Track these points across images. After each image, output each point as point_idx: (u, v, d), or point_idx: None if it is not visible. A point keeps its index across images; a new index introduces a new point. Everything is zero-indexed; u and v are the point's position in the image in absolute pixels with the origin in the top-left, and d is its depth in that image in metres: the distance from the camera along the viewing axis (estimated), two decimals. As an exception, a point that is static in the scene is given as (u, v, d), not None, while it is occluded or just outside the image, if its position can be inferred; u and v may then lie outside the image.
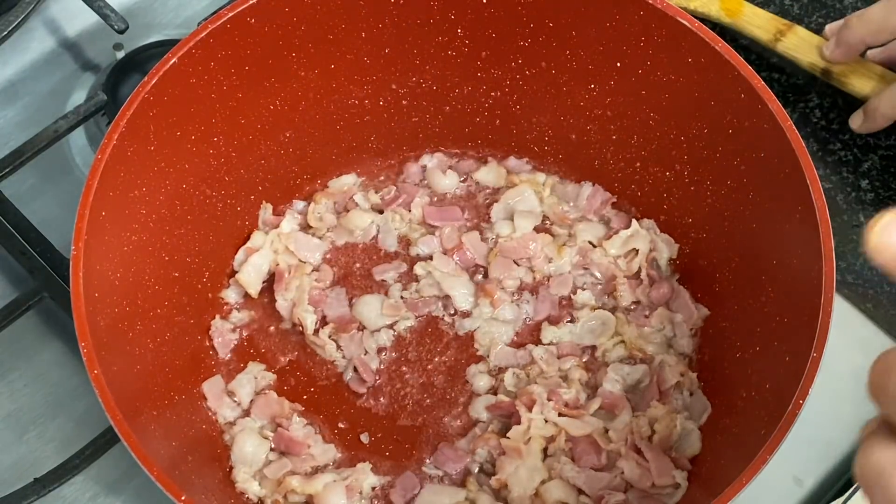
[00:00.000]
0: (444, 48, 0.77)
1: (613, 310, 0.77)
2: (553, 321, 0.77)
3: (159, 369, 0.69)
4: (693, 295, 0.76)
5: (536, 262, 0.78)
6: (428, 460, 0.72)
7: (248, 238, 0.78)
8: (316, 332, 0.75)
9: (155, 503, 0.63)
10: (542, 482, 0.69)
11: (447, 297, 0.77)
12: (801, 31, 0.89)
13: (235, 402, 0.73)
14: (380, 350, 0.76)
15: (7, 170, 0.81)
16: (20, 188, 0.83)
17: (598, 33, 0.74)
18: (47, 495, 0.71)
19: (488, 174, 0.82)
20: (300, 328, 0.76)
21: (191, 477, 0.65)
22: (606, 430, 0.71)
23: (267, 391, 0.74)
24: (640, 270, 0.77)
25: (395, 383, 0.75)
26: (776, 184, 0.68)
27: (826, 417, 0.71)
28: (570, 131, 0.80)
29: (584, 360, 0.75)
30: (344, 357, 0.75)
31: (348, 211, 0.81)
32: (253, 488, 0.69)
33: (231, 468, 0.70)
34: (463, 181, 0.83)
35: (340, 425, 0.73)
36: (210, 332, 0.76)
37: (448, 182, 0.82)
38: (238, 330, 0.76)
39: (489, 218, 0.81)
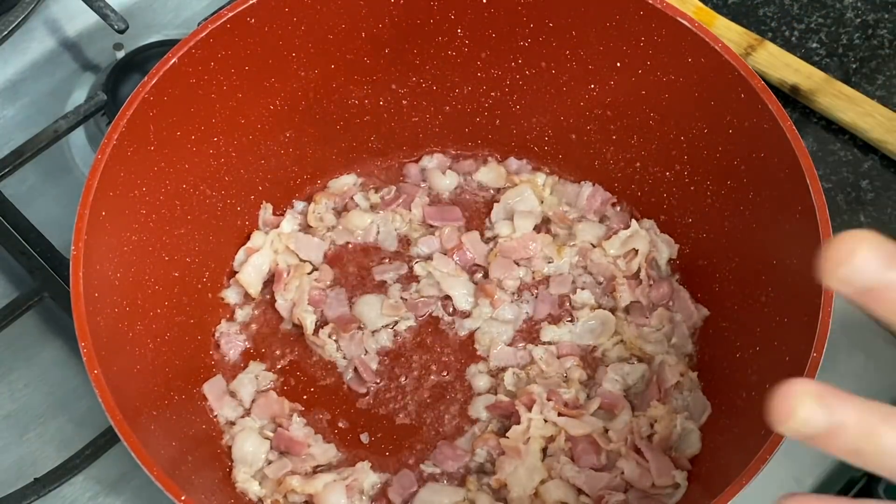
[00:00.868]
0: (444, 48, 0.77)
1: (613, 310, 0.76)
2: (553, 321, 0.77)
3: (159, 369, 0.69)
4: (693, 295, 0.76)
5: (536, 262, 0.78)
6: (427, 459, 0.72)
7: (248, 238, 0.78)
8: (316, 332, 0.75)
9: (155, 503, 0.63)
10: (542, 482, 0.69)
11: (447, 297, 0.77)
12: (771, 47, 0.90)
13: (237, 401, 0.73)
14: (380, 350, 0.76)
15: (7, 170, 0.81)
16: (20, 188, 0.83)
17: (598, 33, 0.74)
18: (47, 495, 0.71)
19: (488, 174, 0.82)
20: (300, 328, 0.76)
21: (191, 477, 0.65)
22: (606, 430, 0.71)
23: (267, 391, 0.74)
24: (639, 270, 0.77)
25: (394, 383, 0.75)
26: (776, 184, 0.68)
27: (826, 417, 0.71)
28: (570, 131, 0.80)
29: (583, 360, 0.75)
30: (344, 357, 0.75)
31: (348, 211, 0.81)
32: (253, 488, 0.69)
33: (231, 468, 0.70)
34: (463, 181, 0.83)
35: (340, 425, 0.73)
36: (216, 336, 0.76)
37: (448, 182, 0.82)
38: (245, 332, 0.76)
39: (489, 218, 0.81)
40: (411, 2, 0.74)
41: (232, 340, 0.76)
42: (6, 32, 0.85)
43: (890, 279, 0.38)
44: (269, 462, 0.71)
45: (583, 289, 0.77)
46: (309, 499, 0.69)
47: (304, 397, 0.74)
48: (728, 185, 0.73)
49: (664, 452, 0.69)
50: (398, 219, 0.80)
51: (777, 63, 0.89)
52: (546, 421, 0.71)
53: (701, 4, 0.93)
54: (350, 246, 0.80)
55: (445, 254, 0.79)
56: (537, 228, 0.79)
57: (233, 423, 0.72)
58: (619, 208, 0.81)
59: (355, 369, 0.75)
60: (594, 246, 0.79)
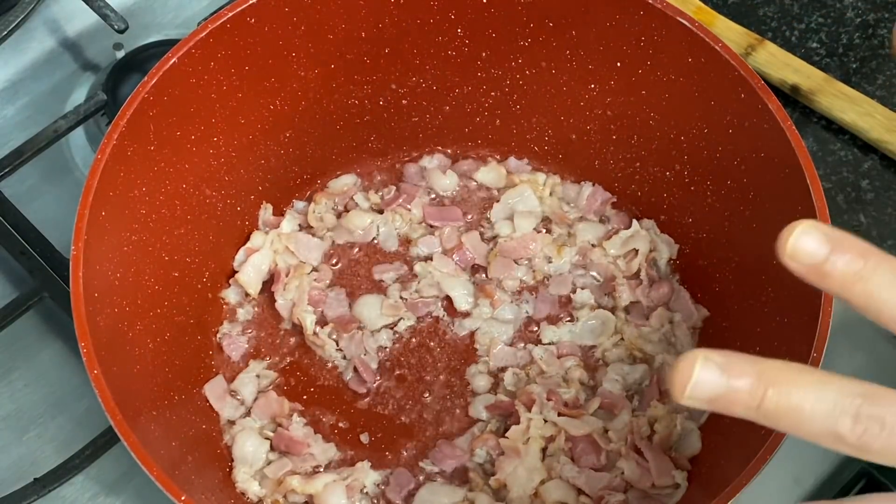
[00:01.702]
0: (444, 48, 0.77)
1: (613, 310, 0.76)
2: (553, 321, 0.77)
3: (159, 369, 0.69)
4: (693, 295, 0.76)
5: (536, 262, 0.78)
6: (426, 459, 0.72)
7: (248, 238, 0.78)
8: (316, 332, 0.75)
9: (155, 503, 0.63)
10: (542, 482, 0.69)
11: (447, 297, 0.77)
12: (771, 46, 0.90)
13: (238, 400, 0.73)
14: (380, 350, 0.76)
15: (7, 170, 0.81)
16: (20, 188, 0.83)
17: (598, 33, 0.74)
18: (47, 495, 0.71)
19: (488, 174, 0.82)
20: (300, 328, 0.76)
21: (191, 477, 0.65)
22: (606, 430, 0.71)
23: (267, 391, 0.74)
24: (639, 270, 0.77)
25: (394, 383, 0.75)
26: (776, 184, 0.68)
27: (826, 417, 0.71)
28: (570, 131, 0.80)
29: (583, 359, 0.75)
30: (344, 357, 0.75)
31: (348, 211, 0.81)
32: (253, 488, 0.70)
33: (231, 468, 0.70)
34: (463, 181, 0.83)
35: (340, 425, 0.73)
36: (218, 337, 0.76)
37: (448, 182, 0.82)
38: (247, 333, 0.76)
39: (489, 218, 0.81)
40: (411, 2, 0.74)
41: (234, 341, 0.76)
42: (6, 32, 0.85)
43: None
44: (270, 462, 0.71)
45: (583, 289, 0.77)
46: (309, 499, 0.69)
47: (304, 397, 0.74)
48: (728, 185, 0.73)
49: (664, 452, 0.69)
50: (398, 219, 0.80)
51: (777, 63, 0.89)
52: (546, 421, 0.71)
53: (701, 4, 0.93)
54: (350, 246, 0.80)
55: (445, 254, 0.79)
56: (537, 228, 0.79)
57: (233, 423, 0.72)
58: (619, 208, 0.81)
59: (355, 369, 0.75)
60: (594, 246, 0.79)
